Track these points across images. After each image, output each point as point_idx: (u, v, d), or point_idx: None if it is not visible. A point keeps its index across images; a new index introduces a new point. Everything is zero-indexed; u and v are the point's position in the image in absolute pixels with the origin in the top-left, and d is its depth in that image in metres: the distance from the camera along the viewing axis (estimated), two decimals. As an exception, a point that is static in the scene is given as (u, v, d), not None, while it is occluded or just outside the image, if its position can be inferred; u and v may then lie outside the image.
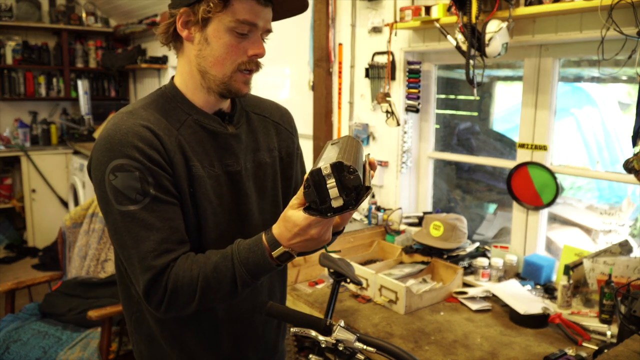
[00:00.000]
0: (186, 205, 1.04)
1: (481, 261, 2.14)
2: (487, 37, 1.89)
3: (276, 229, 0.95)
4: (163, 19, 1.09)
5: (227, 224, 1.10)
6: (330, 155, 0.92)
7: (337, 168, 0.86)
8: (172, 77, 1.13)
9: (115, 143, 0.98)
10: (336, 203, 0.87)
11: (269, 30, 1.07)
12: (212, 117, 1.10)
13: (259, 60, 1.08)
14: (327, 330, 1.14)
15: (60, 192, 5.17)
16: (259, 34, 1.05)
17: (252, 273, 0.96)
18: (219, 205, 1.08)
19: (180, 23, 1.03)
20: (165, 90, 1.11)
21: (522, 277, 2.12)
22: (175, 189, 1.02)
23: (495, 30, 1.88)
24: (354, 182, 0.86)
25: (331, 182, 0.86)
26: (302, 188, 0.89)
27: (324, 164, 0.87)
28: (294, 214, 0.91)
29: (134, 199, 0.96)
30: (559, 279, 1.99)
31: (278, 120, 1.25)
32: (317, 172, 0.86)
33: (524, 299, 1.90)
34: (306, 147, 3.08)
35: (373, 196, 2.74)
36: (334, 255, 1.59)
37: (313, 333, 1.14)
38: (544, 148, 2.12)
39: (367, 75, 2.74)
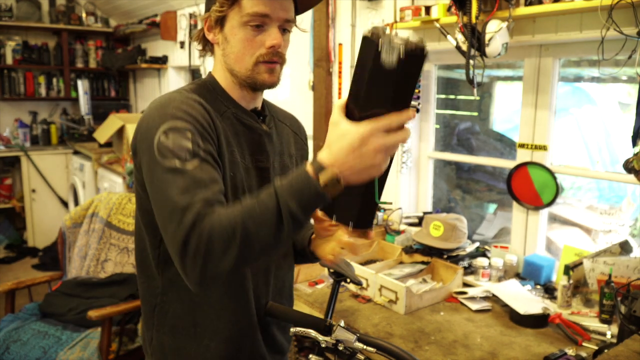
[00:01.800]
0: (227, 190, 1.04)
1: (481, 261, 2.14)
2: (487, 37, 1.89)
3: (325, 153, 0.85)
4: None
5: None
6: None
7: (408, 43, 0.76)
8: (210, 71, 1.17)
9: (170, 109, 0.99)
10: (394, 55, 0.74)
11: (289, 21, 1.08)
12: (249, 113, 1.15)
13: (282, 52, 1.08)
14: (327, 330, 1.15)
15: (60, 192, 5.18)
16: (275, 25, 1.06)
17: (298, 201, 0.85)
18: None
19: (207, 28, 1.11)
20: (207, 82, 1.15)
21: (522, 277, 2.12)
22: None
23: (495, 30, 1.88)
24: (415, 47, 0.74)
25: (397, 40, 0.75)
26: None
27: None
28: (352, 126, 0.81)
29: (184, 158, 0.94)
30: (559, 279, 1.99)
31: (296, 130, 1.32)
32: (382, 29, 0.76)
33: (524, 299, 1.90)
34: (306, 147, 3.08)
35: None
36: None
37: (313, 333, 1.14)
38: (544, 148, 2.12)
39: (367, 75, 2.73)
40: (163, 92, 1.19)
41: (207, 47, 1.15)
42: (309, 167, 0.85)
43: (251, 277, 1.15)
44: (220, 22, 1.08)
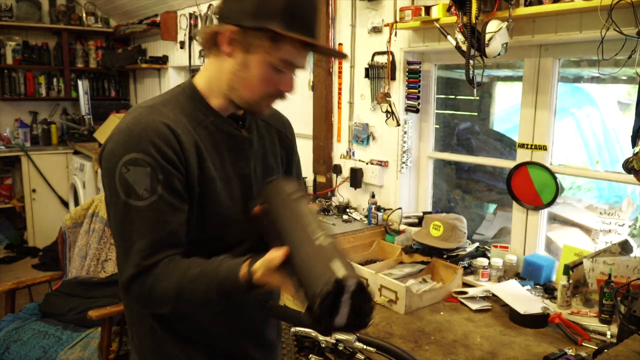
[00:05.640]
0: (193, 205, 1.06)
1: (481, 261, 2.14)
2: (487, 37, 1.89)
3: (259, 272, 0.95)
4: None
5: (235, 226, 1.13)
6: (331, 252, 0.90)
7: (360, 287, 0.85)
8: (192, 77, 1.14)
9: (134, 136, 1.00)
10: (340, 321, 0.85)
11: (302, 67, 1.13)
12: (228, 120, 1.13)
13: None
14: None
15: (61, 192, 5.17)
16: (293, 72, 1.10)
17: (225, 298, 0.99)
18: (229, 207, 1.11)
19: (227, 39, 1.03)
20: (185, 90, 1.12)
21: (522, 277, 2.12)
22: (186, 188, 1.04)
23: (495, 30, 1.88)
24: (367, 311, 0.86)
25: (346, 301, 0.85)
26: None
27: (350, 280, 0.83)
28: (274, 271, 0.93)
29: (141, 195, 0.99)
30: (559, 279, 1.99)
31: (281, 128, 1.30)
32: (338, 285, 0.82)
33: (524, 298, 1.90)
34: (307, 147, 3.08)
35: (373, 196, 2.74)
36: None
37: (313, 333, 1.15)
38: (543, 148, 2.12)
39: (367, 75, 2.74)
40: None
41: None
42: (241, 277, 0.95)
43: None
44: (250, 48, 1.03)
